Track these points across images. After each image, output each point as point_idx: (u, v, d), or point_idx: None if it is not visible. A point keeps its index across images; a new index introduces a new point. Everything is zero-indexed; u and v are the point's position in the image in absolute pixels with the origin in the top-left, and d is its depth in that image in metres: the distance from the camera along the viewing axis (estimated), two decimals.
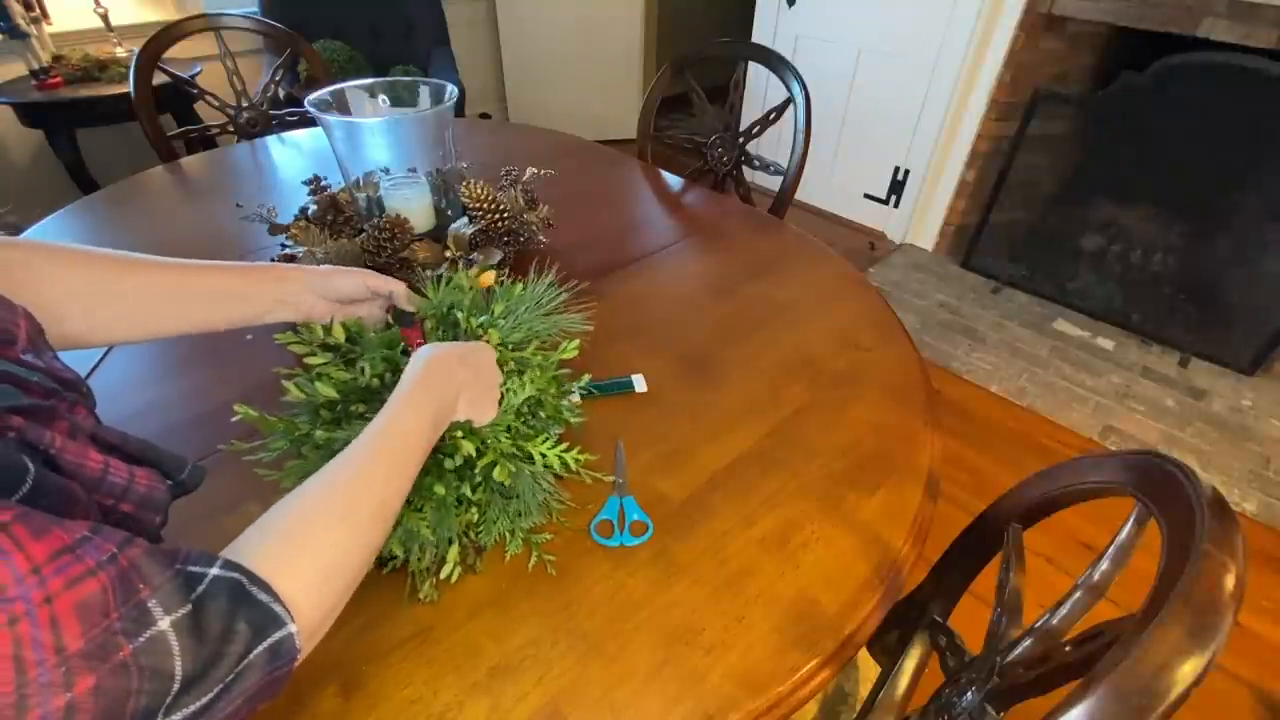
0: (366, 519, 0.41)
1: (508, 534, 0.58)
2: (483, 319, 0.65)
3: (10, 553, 0.25)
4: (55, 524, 0.28)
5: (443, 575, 0.55)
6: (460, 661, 0.52)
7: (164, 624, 0.29)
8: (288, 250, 0.93)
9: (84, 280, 0.50)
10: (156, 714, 0.28)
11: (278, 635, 0.33)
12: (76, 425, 0.38)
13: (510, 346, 0.65)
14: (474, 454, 0.55)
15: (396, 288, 0.65)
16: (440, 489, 0.54)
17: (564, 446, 0.61)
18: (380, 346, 0.61)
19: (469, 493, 0.56)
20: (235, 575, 0.33)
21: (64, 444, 0.35)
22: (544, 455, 0.59)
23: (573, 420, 0.66)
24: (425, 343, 0.59)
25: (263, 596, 0.33)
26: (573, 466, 0.61)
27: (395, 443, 0.46)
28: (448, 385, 0.53)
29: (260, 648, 0.32)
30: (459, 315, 0.65)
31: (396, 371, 0.59)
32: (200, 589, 0.31)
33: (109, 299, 0.51)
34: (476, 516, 0.57)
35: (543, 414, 0.64)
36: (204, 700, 0.30)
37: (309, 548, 0.37)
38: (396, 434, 0.46)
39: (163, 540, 0.38)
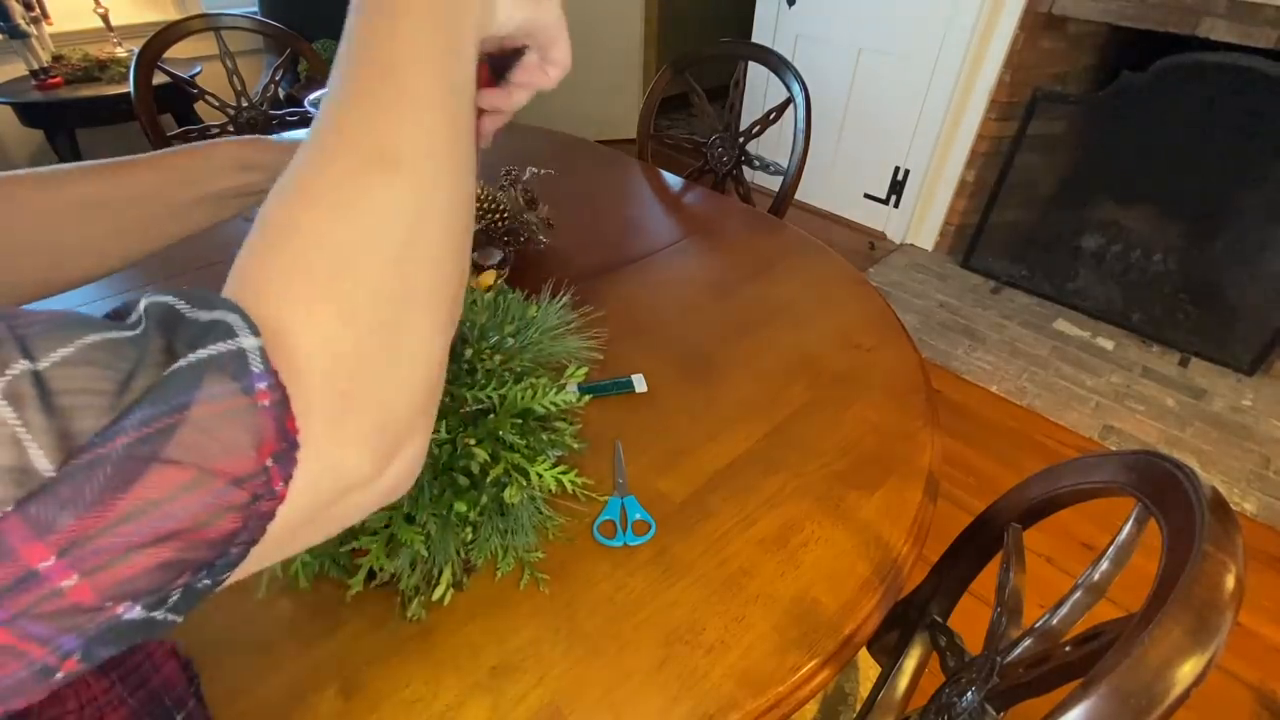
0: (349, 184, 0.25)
1: (500, 551, 0.57)
2: (493, 340, 0.64)
3: None
4: None
5: (435, 597, 0.53)
6: (461, 661, 0.52)
7: None
8: None
9: None
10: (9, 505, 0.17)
11: (219, 348, 0.20)
12: None
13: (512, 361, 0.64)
14: (488, 460, 0.54)
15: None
16: (463, 506, 0.53)
17: (562, 469, 0.60)
18: None
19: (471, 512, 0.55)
20: (165, 299, 0.21)
21: None
22: (540, 476, 0.58)
23: (575, 446, 0.65)
24: None
25: (201, 314, 0.21)
26: (569, 489, 0.60)
27: (377, 58, 0.26)
28: None
29: (185, 361, 0.20)
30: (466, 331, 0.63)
31: None
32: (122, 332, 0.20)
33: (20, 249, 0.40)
34: (470, 535, 0.56)
35: (545, 436, 0.63)
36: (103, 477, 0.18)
37: (288, 237, 0.24)
38: (374, 47, 0.27)
39: None
